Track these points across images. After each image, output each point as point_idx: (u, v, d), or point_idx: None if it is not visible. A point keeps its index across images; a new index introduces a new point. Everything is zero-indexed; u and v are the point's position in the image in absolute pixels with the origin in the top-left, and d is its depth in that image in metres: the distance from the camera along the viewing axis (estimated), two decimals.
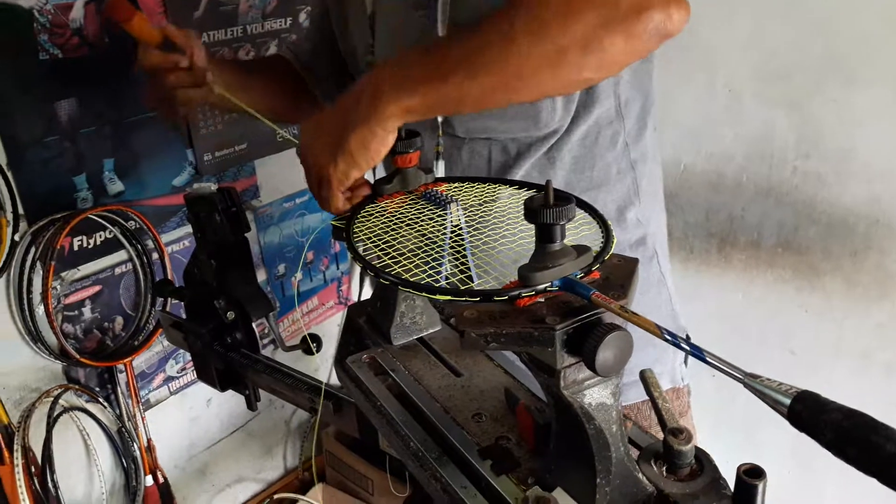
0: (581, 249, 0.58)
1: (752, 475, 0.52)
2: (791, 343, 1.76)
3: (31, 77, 1.48)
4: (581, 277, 0.57)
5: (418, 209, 0.79)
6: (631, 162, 1.06)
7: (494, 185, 0.84)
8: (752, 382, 0.46)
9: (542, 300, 0.56)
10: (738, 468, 0.52)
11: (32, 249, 1.55)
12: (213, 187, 0.99)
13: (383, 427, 0.77)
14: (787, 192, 1.69)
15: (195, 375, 2.00)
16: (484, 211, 0.78)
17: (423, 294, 0.58)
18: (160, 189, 1.78)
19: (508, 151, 1.01)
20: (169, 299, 1.81)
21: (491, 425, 0.73)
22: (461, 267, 0.70)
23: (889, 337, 1.65)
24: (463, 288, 0.59)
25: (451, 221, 0.75)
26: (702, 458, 0.61)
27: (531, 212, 0.55)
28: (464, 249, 0.73)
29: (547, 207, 0.54)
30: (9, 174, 1.47)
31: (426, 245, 0.71)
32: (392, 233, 0.73)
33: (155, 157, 1.75)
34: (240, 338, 1.05)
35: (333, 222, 0.81)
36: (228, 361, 1.04)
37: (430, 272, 0.64)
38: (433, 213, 0.77)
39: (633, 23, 0.67)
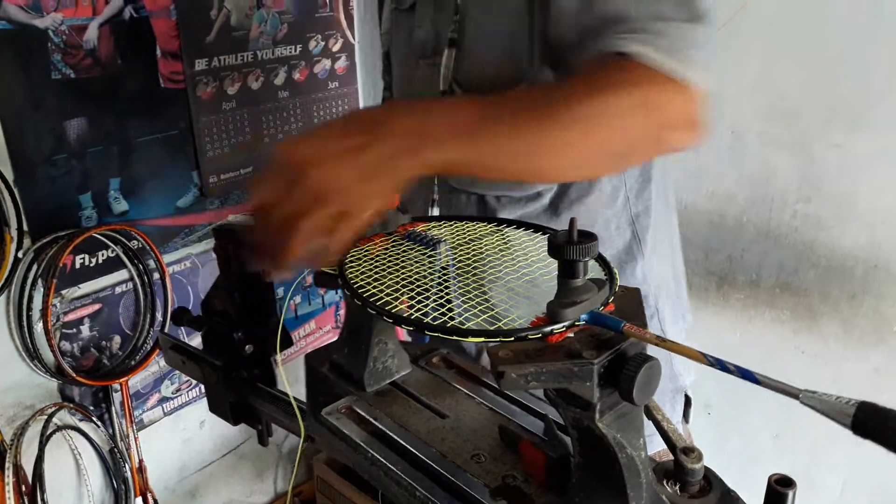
0: (598, 283, 0.59)
1: (782, 484, 0.56)
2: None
3: (43, 96, 1.50)
4: (600, 310, 0.58)
5: (404, 251, 0.77)
6: (632, 216, 1.04)
7: (473, 224, 0.83)
8: (809, 398, 0.47)
9: (572, 335, 0.57)
10: (770, 478, 0.56)
11: (35, 266, 1.55)
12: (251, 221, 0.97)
13: (380, 479, 0.74)
14: (787, 234, 1.70)
15: (189, 396, 2.00)
16: (471, 249, 0.78)
17: (454, 338, 0.58)
18: (164, 210, 1.79)
19: (502, 203, 1.01)
20: (168, 320, 1.81)
21: (493, 465, 0.72)
22: (471, 306, 0.70)
23: (886, 382, 1.65)
24: (492, 328, 0.59)
25: (442, 261, 0.74)
26: (708, 474, 0.64)
27: (555, 248, 0.55)
28: (468, 288, 0.73)
29: (571, 244, 0.55)
30: (15, 191, 1.47)
31: (429, 286, 0.70)
32: (391, 276, 0.71)
33: (161, 178, 1.76)
34: (257, 372, 1.01)
35: (324, 269, 0.75)
36: (243, 395, 1.00)
37: (444, 313, 0.64)
38: (422, 254, 0.76)
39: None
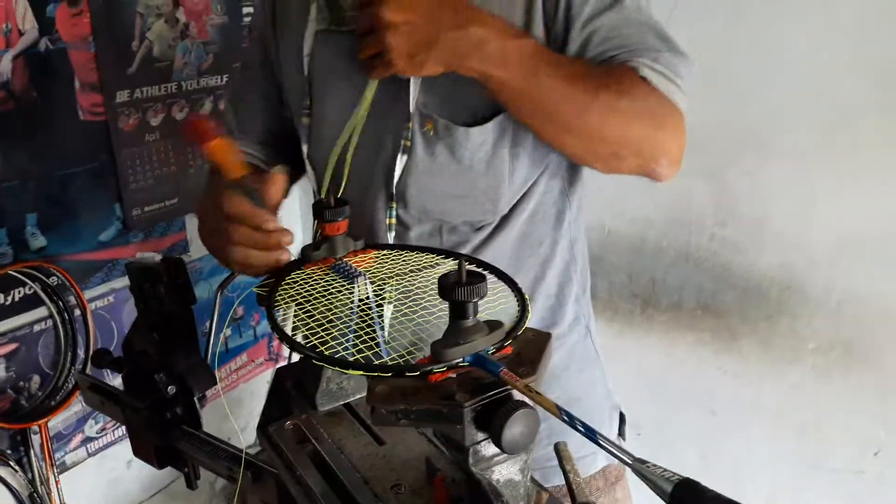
0: (494, 325, 0.59)
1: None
2: (711, 404, 1.81)
3: None
4: (493, 353, 0.58)
5: (332, 279, 0.78)
6: (571, 240, 1.07)
7: (427, 255, 0.83)
8: (638, 467, 0.48)
9: (454, 376, 0.57)
10: None
11: None
12: (157, 257, 0.94)
13: (301, 498, 0.75)
14: (706, 257, 1.76)
15: (115, 436, 1.94)
16: (403, 282, 0.78)
17: (336, 368, 0.58)
18: (86, 244, 1.74)
19: (459, 231, 1.01)
20: (89, 361, 1.76)
21: (409, 498, 0.72)
22: (373, 342, 0.70)
23: (802, 398, 1.71)
24: (376, 363, 0.59)
25: (359, 294, 0.74)
26: None
27: (445, 289, 0.56)
28: (375, 323, 0.73)
29: (460, 285, 0.55)
30: None
31: (343, 316, 0.71)
32: (315, 302, 0.72)
33: (81, 212, 1.72)
34: (180, 413, 0.98)
35: (257, 289, 0.78)
36: (168, 438, 0.98)
37: (347, 345, 0.64)
38: (343, 286, 0.77)
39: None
